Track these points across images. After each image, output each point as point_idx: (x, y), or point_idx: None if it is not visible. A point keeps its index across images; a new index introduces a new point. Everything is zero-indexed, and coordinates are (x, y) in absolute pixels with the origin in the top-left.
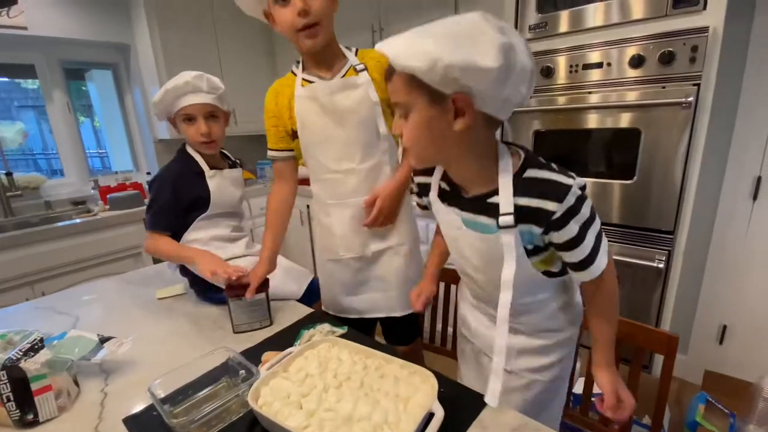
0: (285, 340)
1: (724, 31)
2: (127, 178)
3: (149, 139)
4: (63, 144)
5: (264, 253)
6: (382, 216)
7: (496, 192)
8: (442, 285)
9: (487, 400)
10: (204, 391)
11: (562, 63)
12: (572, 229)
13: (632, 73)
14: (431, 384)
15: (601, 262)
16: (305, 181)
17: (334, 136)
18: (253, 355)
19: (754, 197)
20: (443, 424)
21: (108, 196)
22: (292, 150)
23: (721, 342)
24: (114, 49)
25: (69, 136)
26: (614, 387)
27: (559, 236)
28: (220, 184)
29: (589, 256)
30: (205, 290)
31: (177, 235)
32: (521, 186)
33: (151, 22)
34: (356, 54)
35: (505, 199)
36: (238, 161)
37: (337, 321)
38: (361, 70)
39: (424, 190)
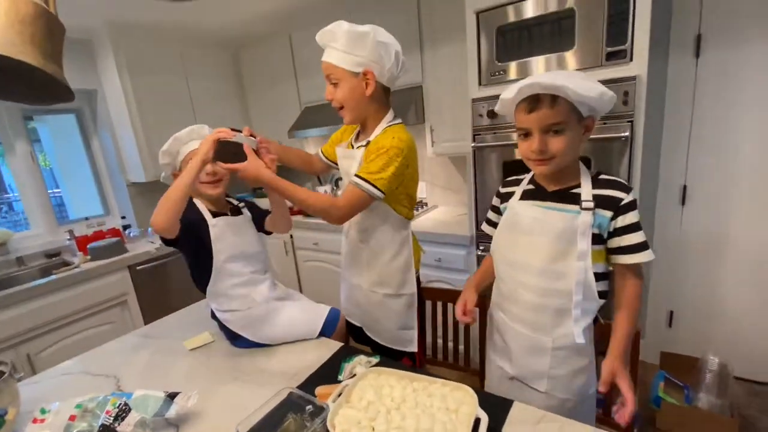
0: (328, 374)
1: (648, 77)
2: (100, 223)
3: (121, 182)
4: (27, 194)
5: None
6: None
7: (576, 186)
8: (439, 304)
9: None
10: (278, 428)
11: None
12: (633, 217)
13: None
14: (471, 395)
15: (652, 254)
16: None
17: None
18: (305, 391)
19: (682, 203)
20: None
21: (89, 246)
22: (333, 163)
23: (670, 325)
24: (78, 94)
25: (34, 186)
26: (613, 371)
27: (624, 220)
28: (229, 230)
29: (645, 242)
30: (232, 337)
31: (203, 285)
32: (596, 183)
33: (121, 67)
34: (383, 130)
35: (587, 190)
36: (241, 205)
37: (359, 351)
38: (364, 147)
39: (506, 198)
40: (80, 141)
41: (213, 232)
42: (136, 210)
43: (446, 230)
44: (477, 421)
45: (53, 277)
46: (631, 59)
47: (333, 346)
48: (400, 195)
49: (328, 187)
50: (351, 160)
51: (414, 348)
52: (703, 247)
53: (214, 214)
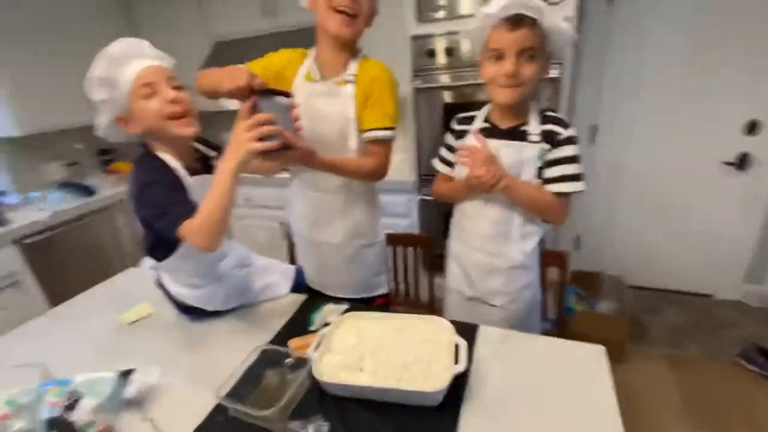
0: (297, 328)
1: (577, 20)
2: None
3: None
4: None
5: None
6: None
7: (525, 124)
8: (399, 249)
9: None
10: (259, 387)
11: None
12: (570, 150)
13: None
14: (447, 326)
15: (581, 185)
16: None
17: (310, 135)
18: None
19: (594, 141)
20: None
21: None
22: None
23: (578, 248)
24: None
25: None
26: (494, 158)
27: (558, 152)
28: (200, 193)
29: (578, 174)
30: (185, 311)
31: (159, 254)
32: (543, 119)
33: None
34: (359, 62)
35: (534, 125)
36: (213, 155)
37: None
38: (350, 82)
39: (461, 135)
40: None
41: (194, 193)
42: (13, 171)
43: (390, 176)
44: (457, 349)
45: None
46: None
47: (296, 300)
48: None
49: None
50: (334, 98)
51: (386, 288)
52: (606, 180)
53: (188, 170)
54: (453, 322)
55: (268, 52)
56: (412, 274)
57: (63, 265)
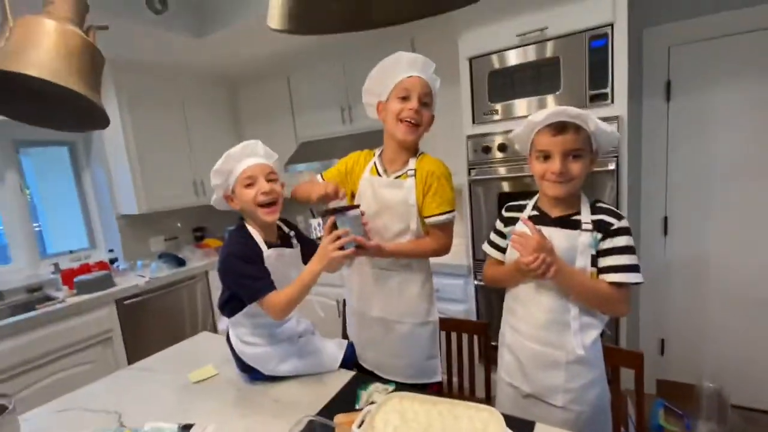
0: (343, 403)
1: (628, 117)
2: (86, 256)
3: (110, 215)
4: (12, 227)
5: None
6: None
7: (576, 214)
8: (454, 337)
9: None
10: None
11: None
12: (624, 241)
13: None
14: (497, 416)
15: (639, 277)
16: None
17: (378, 218)
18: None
19: (665, 233)
20: None
21: (75, 279)
22: None
23: (662, 353)
24: None
25: (20, 218)
26: (545, 244)
27: (612, 242)
28: (279, 265)
29: (635, 265)
30: (245, 369)
31: (231, 311)
32: (594, 210)
33: (121, 103)
34: (417, 159)
35: (586, 214)
36: (292, 233)
37: (374, 378)
38: (411, 176)
39: (510, 222)
40: (70, 174)
41: (268, 264)
42: (124, 242)
43: (444, 260)
44: None
45: (34, 313)
46: (613, 101)
47: (345, 375)
48: None
49: (320, 220)
50: (397, 189)
51: (439, 377)
52: (687, 275)
53: (268, 245)
54: (507, 416)
55: (342, 149)
56: (467, 364)
57: (146, 327)
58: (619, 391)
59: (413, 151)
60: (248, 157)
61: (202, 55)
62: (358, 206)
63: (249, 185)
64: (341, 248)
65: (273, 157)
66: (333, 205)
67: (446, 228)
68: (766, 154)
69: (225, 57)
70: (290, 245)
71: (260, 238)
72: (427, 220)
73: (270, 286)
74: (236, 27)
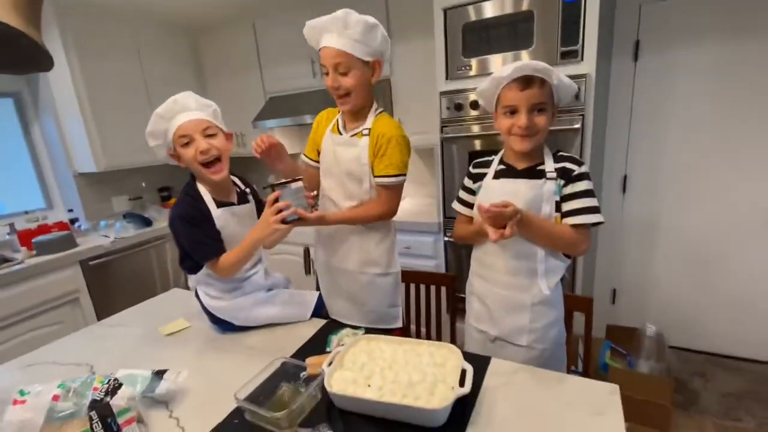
0: (315, 347)
1: (596, 76)
2: (44, 216)
3: (66, 173)
4: None
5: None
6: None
7: (540, 164)
8: (422, 289)
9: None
10: (273, 397)
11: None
12: (584, 185)
13: None
14: (456, 352)
15: (599, 217)
16: None
17: (333, 173)
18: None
19: (624, 191)
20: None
21: (34, 240)
22: (317, 162)
23: (613, 302)
24: (18, 77)
25: None
26: (511, 213)
27: (573, 187)
28: (233, 222)
29: (595, 207)
30: (217, 321)
31: (193, 270)
32: (556, 159)
33: (68, 47)
34: (375, 118)
35: (550, 164)
36: (248, 191)
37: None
38: (365, 135)
39: (478, 178)
40: (18, 128)
41: (217, 224)
42: (84, 202)
43: (415, 218)
44: (463, 373)
45: None
46: (582, 59)
47: (317, 323)
48: None
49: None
50: (352, 147)
51: (400, 323)
52: (640, 232)
53: (219, 204)
54: (467, 353)
55: (313, 104)
56: (434, 315)
57: (115, 287)
58: (571, 333)
59: (366, 111)
60: (180, 113)
61: None
62: (300, 179)
63: (186, 144)
64: (284, 221)
65: (209, 107)
66: (274, 180)
67: (393, 190)
68: (719, 116)
69: None
70: (246, 201)
71: (210, 197)
72: (375, 179)
73: (214, 252)
74: None
